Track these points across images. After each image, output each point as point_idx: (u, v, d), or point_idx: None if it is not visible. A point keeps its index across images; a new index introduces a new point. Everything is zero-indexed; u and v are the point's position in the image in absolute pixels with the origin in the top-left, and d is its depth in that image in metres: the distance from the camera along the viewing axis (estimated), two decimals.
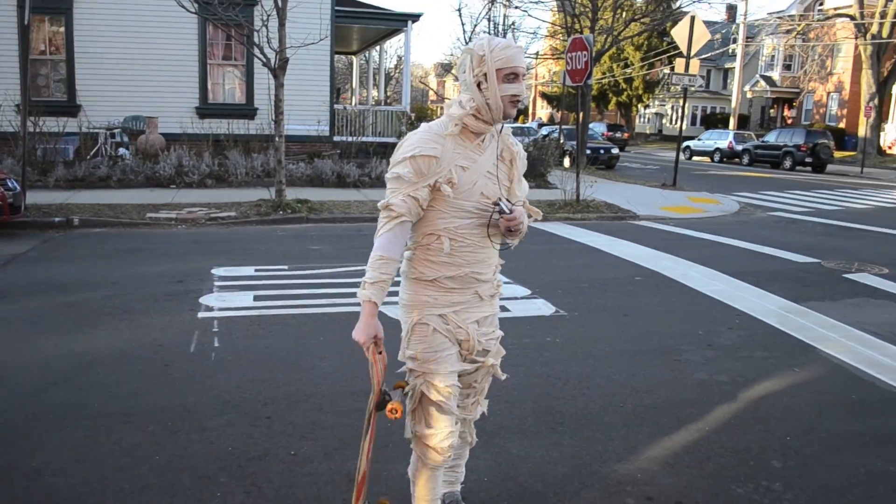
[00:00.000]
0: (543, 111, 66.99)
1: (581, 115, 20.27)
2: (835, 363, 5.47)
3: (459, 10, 48.34)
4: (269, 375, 4.80)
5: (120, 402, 4.32)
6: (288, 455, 3.72)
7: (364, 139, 18.69)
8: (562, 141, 24.82)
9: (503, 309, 6.56)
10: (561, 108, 33.91)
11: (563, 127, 29.08)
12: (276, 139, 12.39)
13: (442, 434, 2.68)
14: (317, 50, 15.65)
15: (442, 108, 68.33)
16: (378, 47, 25.16)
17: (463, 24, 43.88)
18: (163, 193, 13.36)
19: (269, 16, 11.98)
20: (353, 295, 6.86)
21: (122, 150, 15.63)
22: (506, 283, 7.63)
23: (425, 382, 2.65)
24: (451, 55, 40.90)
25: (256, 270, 7.87)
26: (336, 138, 18.44)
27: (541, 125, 48.05)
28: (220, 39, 17.38)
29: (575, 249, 9.84)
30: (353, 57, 30.37)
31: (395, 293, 2.72)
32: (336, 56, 23.92)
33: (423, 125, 2.63)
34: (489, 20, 25.99)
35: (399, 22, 20.27)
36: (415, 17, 20.03)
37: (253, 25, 12.87)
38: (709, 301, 7.20)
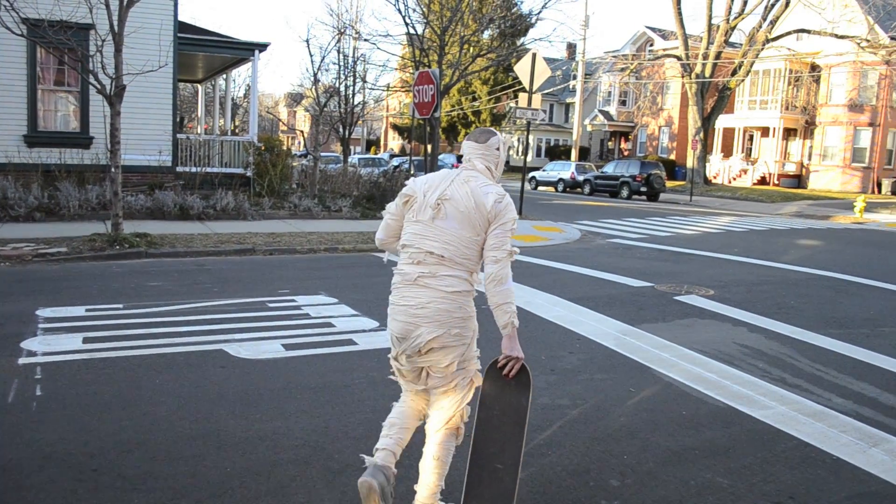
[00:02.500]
0: (395, 142, 67.70)
1: (430, 146, 20.60)
2: (667, 381, 5.78)
3: (308, 41, 47.80)
4: (97, 424, 4.46)
5: None
6: None
7: (210, 170, 18.09)
8: (412, 172, 25.07)
9: (350, 343, 6.51)
10: (411, 139, 34.40)
11: (414, 158, 29.45)
12: (113, 170, 11.74)
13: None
14: (158, 77, 15.03)
15: (292, 138, 67.47)
16: (225, 76, 24.55)
17: (311, 56, 43.37)
18: None
19: (104, 41, 11.38)
20: (194, 334, 6.58)
21: None
22: (352, 315, 7.56)
23: (476, 375, 3.45)
24: (301, 86, 40.45)
25: (87, 310, 7.36)
26: (179, 168, 17.71)
27: (392, 156, 48.47)
28: (53, 64, 16.28)
29: None
30: (199, 85, 29.46)
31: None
32: (181, 84, 23.12)
33: (494, 184, 3.34)
34: (338, 52, 25.90)
35: (246, 51, 19.86)
36: (262, 47, 19.70)
37: (87, 50, 12.18)
38: (552, 326, 7.43)
